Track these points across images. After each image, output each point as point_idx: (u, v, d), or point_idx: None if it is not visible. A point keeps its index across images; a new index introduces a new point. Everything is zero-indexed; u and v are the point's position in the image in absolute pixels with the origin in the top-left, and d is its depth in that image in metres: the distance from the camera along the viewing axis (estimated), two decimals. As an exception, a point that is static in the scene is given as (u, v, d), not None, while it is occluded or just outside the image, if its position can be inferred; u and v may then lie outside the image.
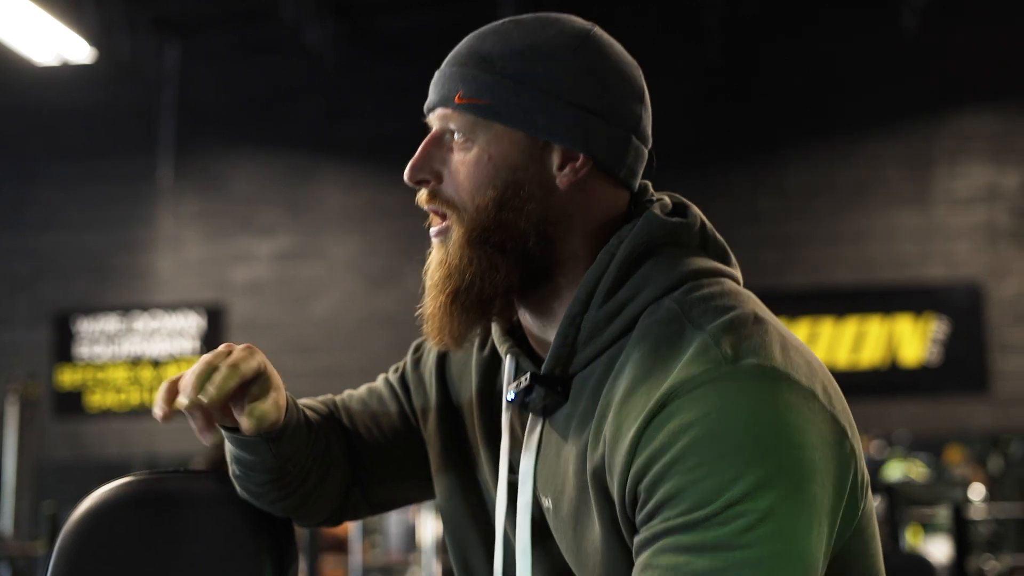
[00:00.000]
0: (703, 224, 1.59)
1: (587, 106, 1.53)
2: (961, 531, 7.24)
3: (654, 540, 1.34)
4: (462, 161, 1.55)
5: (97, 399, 11.89)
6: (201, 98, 12.19)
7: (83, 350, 12.02)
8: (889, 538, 7.80)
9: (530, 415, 1.58)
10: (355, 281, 11.82)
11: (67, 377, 11.98)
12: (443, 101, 1.57)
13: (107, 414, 11.85)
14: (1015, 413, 10.85)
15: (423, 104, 1.63)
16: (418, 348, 1.87)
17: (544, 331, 1.59)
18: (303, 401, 1.79)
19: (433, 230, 1.59)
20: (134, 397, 11.79)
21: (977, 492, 10.86)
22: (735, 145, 11.23)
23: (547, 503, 1.54)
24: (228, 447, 1.65)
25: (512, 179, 1.52)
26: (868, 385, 10.75)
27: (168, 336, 11.83)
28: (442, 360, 1.81)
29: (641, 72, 1.61)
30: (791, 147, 11.35)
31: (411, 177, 1.58)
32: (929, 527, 10.33)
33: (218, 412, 1.57)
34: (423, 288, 1.62)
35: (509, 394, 1.56)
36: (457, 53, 1.61)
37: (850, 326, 10.92)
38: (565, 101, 1.52)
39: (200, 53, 12.13)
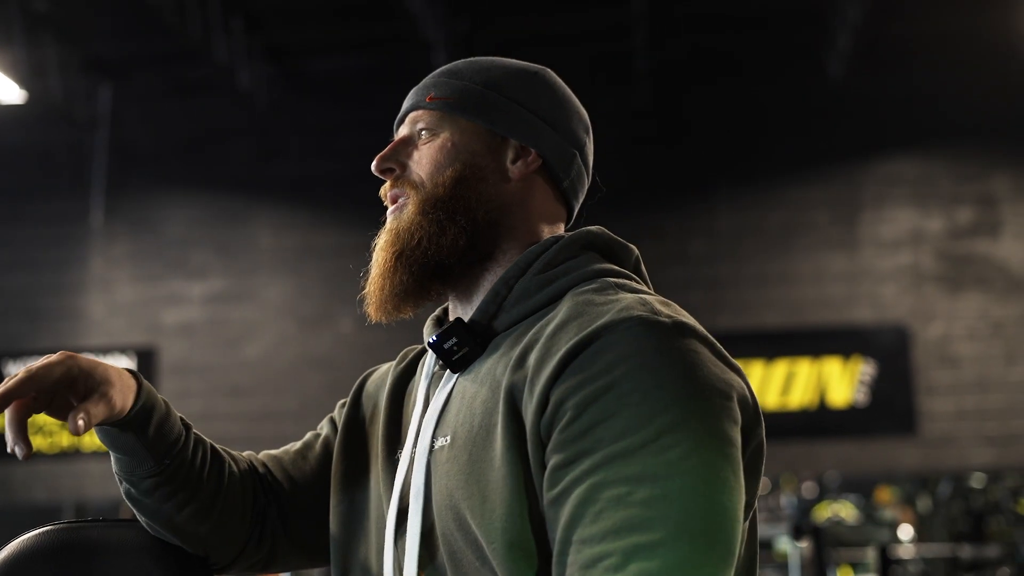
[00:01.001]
0: (639, 259, 1.72)
1: (541, 115, 1.72)
2: (888, 571, 7.32)
3: (592, 471, 1.38)
4: (427, 148, 1.70)
5: (25, 442, 11.74)
6: (133, 140, 12.14)
7: (12, 393, 11.86)
8: (817, 579, 7.86)
9: (445, 374, 1.65)
10: (288, 323, 11.78)
11: (-5, 420, 11.83)
12: (415, 105, 1.75)
13: (36, 457, 11.71)
14: (943, 454, 10.97)
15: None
16: (345, 401, 1.92)
17: (468, 315, 1.68)
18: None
19: (391, 208, 1.72)
20: (64, 440, 11.67)
21: (906, 532, 10.97)
22: (665, 188, 11.34)
23: (443, 441, 1.58)
24: (112, 459, 1.69)
25: (471, 162, 1.68)
26: (798, 427, 10.84)
27: (98, 379, 11.71)
28: (362, 382, 1.90)
29: (587, 116, 1.79)
30: (720, 190, 11.46)
31: (378, 166, 1.73)
32: (859, 567, 10.42)
33: (52, 410, 1.57)
34: (366, 275, 1.72)
35: (431, 337, 1.64)
36: (431, 74, 1.78)
37: (780, 368, 11.02)
38: (523, 106, 1.71)
39: (132, 94, 12.08)
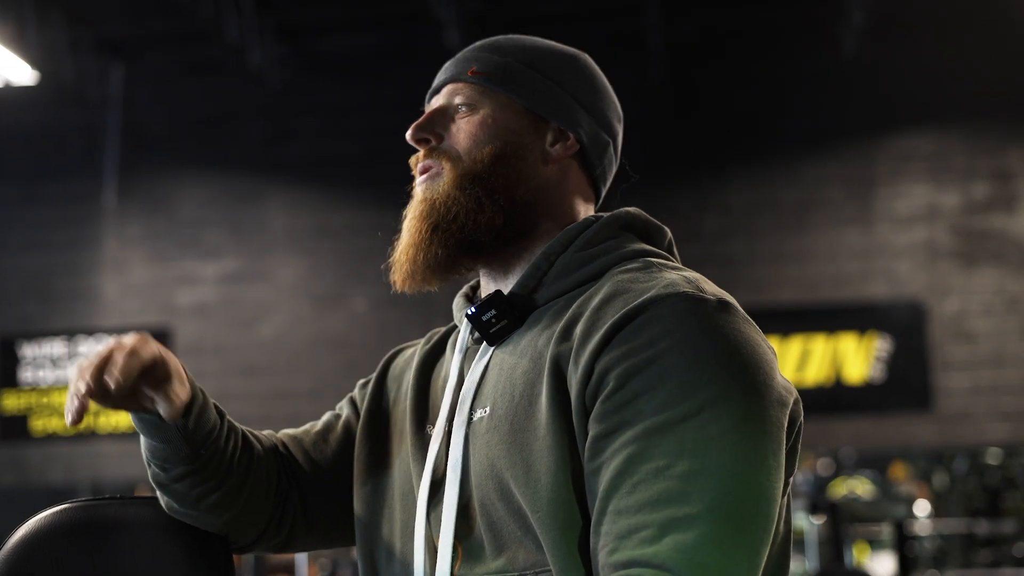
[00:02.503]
0: (672, 241, 1.71)
1: (580, 100, 1.71)
2: (904, 547, 7.32)
3: (632, 442, 1.38)
4: (466, 123, 1.67)
5: (41, 424, 11.79)
6: (145, 120, 12.14)
7: (27, 374, 11.91)
8: (834, 555, 7.87)
9: (480, 348, 1.64)
10: (301, 303, 11.78)
11: (11, 402, 11.87)
12: (454, 77, 1.71)
13: (52, 438, 11.75)
14: (958, 430, 10.96)
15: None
16: (367, 380, 1.91)
17: (505, 290, 1.66)
18: None
19: (420, 177, 1.69)
20: (79, 421, 11.68)
21: (922, 508, 10.96)
22: (678, 165, 11.30)
23: (482, 412, 1.57)
24: (142, 442, 1.68)
25: (511, 140, 1.66)
26: (813, 403, 10.76)
27: (113, 359, 11.72)
28: (387, 363, 1.88)
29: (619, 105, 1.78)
30: (735, 167, 11.43)
31: (413, 135, 1.69)
32: (875, 543, 10.42)
33: (120, 400, 1.57)
34: (387, 265, 1.70)
35: (469, 308, 1.63)
36: (470, 47, 1.75)
37: (795, 344, 11.00)
38: (564, 90, 1.70)
39: (144, 75, 12.08)
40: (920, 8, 11.11)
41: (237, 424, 1.77)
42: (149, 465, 1.70)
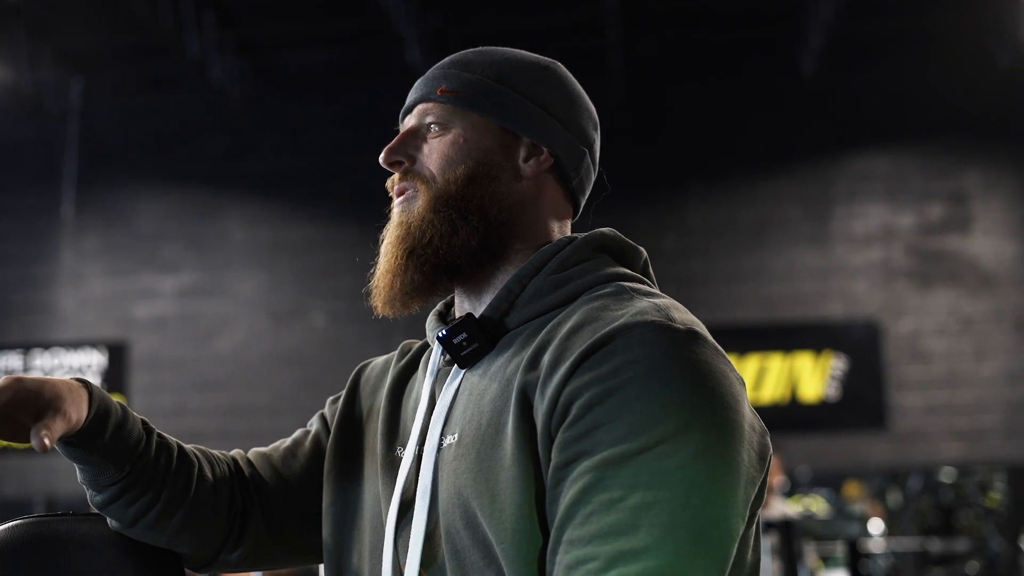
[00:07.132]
0: (647, 262, 1.73)
1: (553, 112, 1.69)
2: (857, 565, 7.36)
3: (588, 472, 1.37)
4: (438, 143, 1.66)
5: (-5, 437, 11.68)
6: (104, 133, 12.08)
7: (-19, 387, 11.80)
8: (788, 573, 7.90)
9: (451, 370, 1.63)
10: (259, 318, 11.74)
11: (-35, 415, 11.76)
12: (424, 96, 1.70)
13: (5, 452, 11.66)
14: (912, 449, 11.02)
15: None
16: (337, 396, 1.90)
17: (477, 311, 1.66)
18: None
19: (397, 200, 1.69)
20: (34, 435, 11.60)
21: (876, 526, 11.01)
22: (637, 184, 11.34)
23: (451, 439, 1.56)
24: (76, 469, 1.68)
25: (483, 159, 1.65)
26: (769, 421, 10.79)
27: (70, 374, 11.64)
28: (358, 376, 1.88)
29: (596, 111, 1.78)
30: (693, 186, 11.48)
31: (386, 159, 1.69)
32: (829, 561, 10.46)
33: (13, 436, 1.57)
34: (368, 284, 1.70)
35: (440, 331, 1.63)
36: (440, 63, 1.74)
37: (751, 363, 11.05)
38: (535, 103, 1.68)
39: (103, 88, 12.03)
40: (877, 31, 11.20)
41: (176, 442, 1.76)
42: (87, 490, 1.70)
